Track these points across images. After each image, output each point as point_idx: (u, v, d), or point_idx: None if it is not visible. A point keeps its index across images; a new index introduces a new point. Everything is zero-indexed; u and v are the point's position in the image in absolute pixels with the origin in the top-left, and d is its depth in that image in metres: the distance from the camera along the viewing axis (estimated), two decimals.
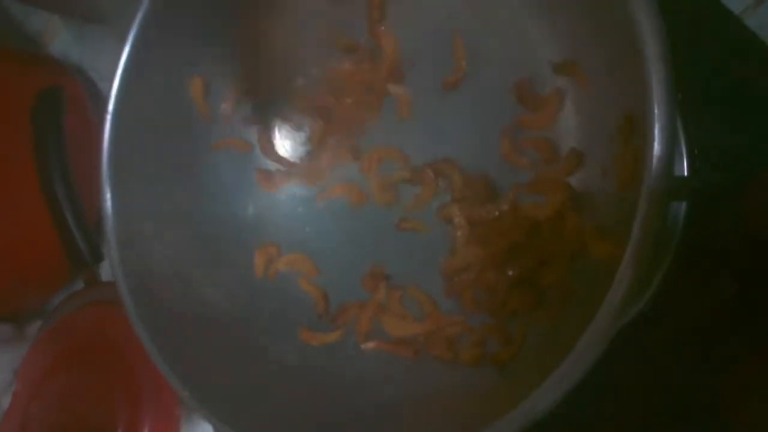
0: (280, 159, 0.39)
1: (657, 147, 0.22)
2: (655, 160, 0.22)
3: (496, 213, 0.32)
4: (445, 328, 0.32)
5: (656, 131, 0.22)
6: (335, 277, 0.38)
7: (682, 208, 0.30)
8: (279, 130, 0.40)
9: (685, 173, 0.31)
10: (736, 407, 0.31)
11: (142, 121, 0.35)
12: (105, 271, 0.52)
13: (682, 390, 0.32)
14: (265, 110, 0.39)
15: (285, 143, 0.40)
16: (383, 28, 0.35)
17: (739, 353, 0.31)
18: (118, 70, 0.33)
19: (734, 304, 0.32)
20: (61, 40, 0.56)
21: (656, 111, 0.22)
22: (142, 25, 0.33)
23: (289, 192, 0.39)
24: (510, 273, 0.32)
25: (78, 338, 0.47)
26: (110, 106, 0.33)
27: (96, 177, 0.52)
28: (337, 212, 0.38)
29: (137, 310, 0.32)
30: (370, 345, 0.35)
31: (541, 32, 0.31)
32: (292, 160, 0.39)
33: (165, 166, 0.36)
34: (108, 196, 0.33)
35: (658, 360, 0.32)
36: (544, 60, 0.31)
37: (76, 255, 0.48)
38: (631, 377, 0.31)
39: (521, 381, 0.28)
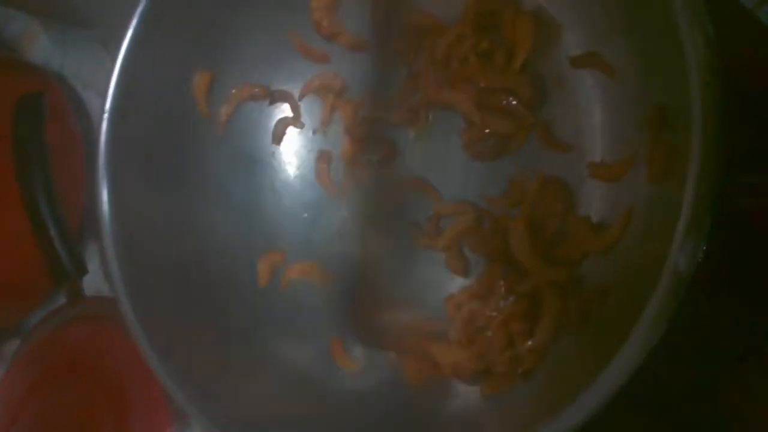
0: None
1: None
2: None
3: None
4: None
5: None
6: (348, 286, 0.36)
7: None
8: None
9: None
10: (737, 407, 0.31)
11: (140, 122, 0.33)
12: (88, 285, 0.50)
13: (683, 390, 0.31)
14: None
15: None
16: None
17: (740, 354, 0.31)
18: (115, 69, 0.32)
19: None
20: (41, 45, 0.54)
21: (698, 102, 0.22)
22: (141, 20, 0.31)
23: (294, 197, 0.38)
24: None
25: (61, 356, 0.45)
26: (107, 104, 0.31)
27: (79, 187, 0.51)
28: (346, 218, 0.37)
29: (140, 323, 0.30)
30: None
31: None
32: None
33: (163, 170, 0.35)
34: (105, 199, 0.32)
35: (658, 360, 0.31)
36: None
37: (58, 268, 0.46)
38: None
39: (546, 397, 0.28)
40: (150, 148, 0.34)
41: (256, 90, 0.37)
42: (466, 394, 0.31)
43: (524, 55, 0.31)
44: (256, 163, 0.38)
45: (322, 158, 0.38)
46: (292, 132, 0.39)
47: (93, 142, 0.51)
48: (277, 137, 0.38)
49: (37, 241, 0.45)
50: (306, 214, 0.38)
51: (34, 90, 0.47)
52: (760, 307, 0.31)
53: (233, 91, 0.37)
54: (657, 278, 0.22)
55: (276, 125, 0.38)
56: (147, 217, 0.34)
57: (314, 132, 0.38)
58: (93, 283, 0.49)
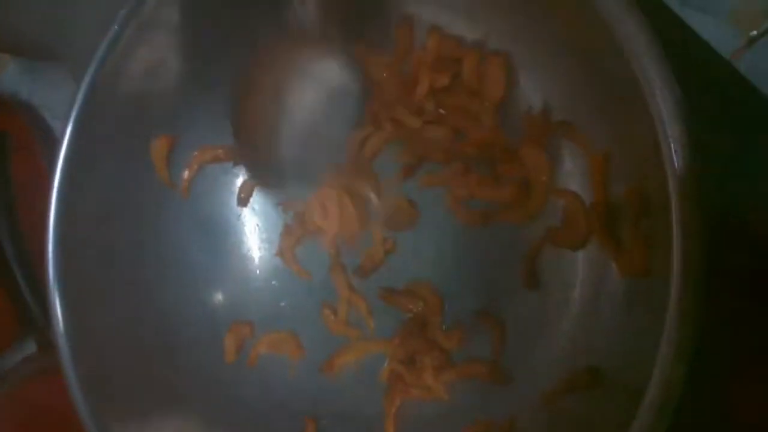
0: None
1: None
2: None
3: None
4: None
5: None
6: (320, 357, 0.35)
7: None
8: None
9: None
10: (738, 408, 0.30)
11: (96, 188, 0.31)
12: None
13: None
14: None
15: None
16: None
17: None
18: (63, 141, 0.30)
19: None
20: (9, 74, 0.52)
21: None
22: (97, 74, 0.30)
23: (262, 264, 0.36)
24: None
25: (33, 409, 0.44)
26: (56, 178, 0.30)
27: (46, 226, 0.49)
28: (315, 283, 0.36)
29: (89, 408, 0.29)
30: None
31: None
32: None
33: (121, 242, 0.33)
34: (56, 290, 0.30)
35: None
36: None
37: (26, 316, 0.45)
38: None
39: None
40: (104, 218, 0.32)
41: (219, 151, 0.35)
42: None
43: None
44: (220, 229, 0.36)
45: (288, 234, 0.36)
46: (258, 193, 0.37)
47: None
48: (243, 200, 0.36)
49: (3, 288, 0.44)
50: (275, 281, 0.36)
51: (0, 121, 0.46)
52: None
53: (195, 153, 0.35)
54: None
55: (241, 187, 0.36)
56: (103, 294, 0.32)
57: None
58: None
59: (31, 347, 0.47)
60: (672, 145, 0.22)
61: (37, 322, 0.45)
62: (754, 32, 0.31)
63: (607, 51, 0.23)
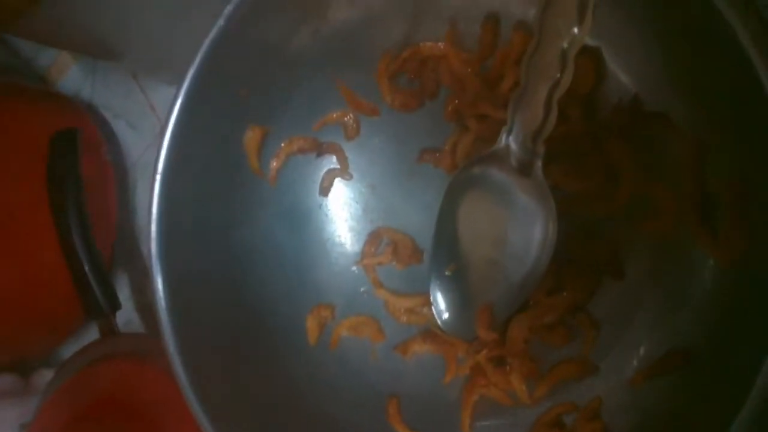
0: None
1: None
2: None
3: None
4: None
5: None
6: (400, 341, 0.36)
7: None
8: None
9: None
10: None
11: (190, 178, 0.33)
12: (121, 321, 0.50)
13: None
14: None
15: None
16: None
17: None
18: (169, 124, 0.31)
19: None
20: (70, 76, 0.54)
21: None
22: (197, 75, 0.31)
23: (343, 250, 0.38)
24: None
25: (96, 394, 0.45)
26: (160, 165, 0.31)
27: (110, 217, 0.51)
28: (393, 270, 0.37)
29: (183, 365, 0.31)
30: None
31: None
32: None
33: (212, 225, 0.34)
34: (155, 252, 0.31)
35: None
36: None
37: (92, 304, 0.46)
38: None
39: None
40: (199, 203, 0.34)
41: (305, 143, 0.36)
42: None
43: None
44: (303, 217, 0.38)
45: (371, 241, 0.38)
46: (340, 184, 0.38)
47: (123, 172, 0.52)
48: (325, 189, 0.38)
49: (71, 276, 0.45)
50: (354, 268, 0.38)
51: (67, 122, 0.47)
52: None
53: (282, 144, 0.36)
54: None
55: (323, 177, 0.38)
56: (196, 271, 0.33)
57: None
58: (123, 315, 0.49)
59: (94, 330, 0.48)
60: None
61: (102, 310, 0.46)
62: None
63: (712, 38, 0.24)
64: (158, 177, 0.31)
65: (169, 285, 0.32)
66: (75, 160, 0.46)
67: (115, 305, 0.48)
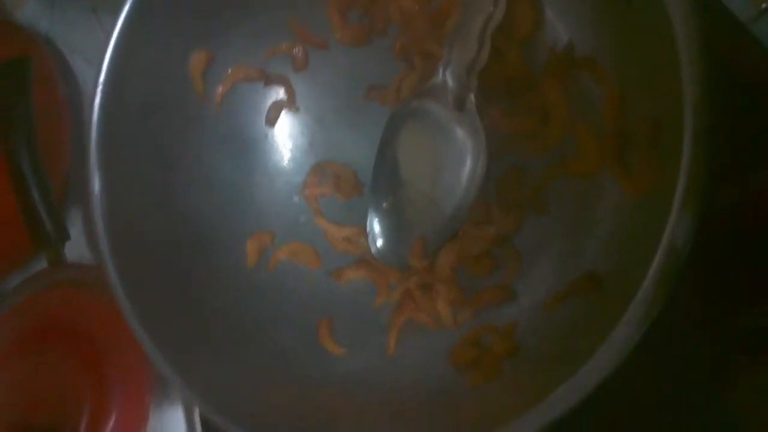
0: None
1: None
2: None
3: None
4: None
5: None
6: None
7: None
8: None
9: None
10: (732, 408, 0.32)
11: (133, 98, 0.33)
12: (70, 251, 0.50)
13: (673, 390, 0.33)
14: None
15: None
16: None
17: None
18: (110, 42, 0.32)
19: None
20: (28, 7, 0.53)
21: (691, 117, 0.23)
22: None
23: (286, 180, 0.39)
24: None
25: (40, 320, 0.45)
26: (101, 78, 0.31)
27: (63, 152, 0.51)
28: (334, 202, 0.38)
29: (124, 290, 0.31)
30: None
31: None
32: None
33: (155, 149, 0.35)
34: (96, 177, 0.32)
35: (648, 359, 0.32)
36: None
37: (40, 233, 0.46)
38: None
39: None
40: (142, 126, 0.34)
41: (252, 71, 0.37)
42: (453, 382, 0.32)
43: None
44: (248, 145, 0.38)
45: (314, 173, 0.39)
46: (286, 115, 0.39)
47: (78, 107, 0.51)
48: (271, 120, 0.39)
49: (19, 204, 0.45)
50: (296, 198, 0.39)
51: (20, 53, 0.47)
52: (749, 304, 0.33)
53: (229, 71, 0.37)
54: (651, 257, 0.23)
55: (270, 108, 0.39)
56: (137, 194, 0.34)
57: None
58: (75, 249, 0.49)
59: (41, 262, 0.48)
60: (691, 84, 0.23)
61: (50, 239, 0.46)
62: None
63: None
64: (98, 92, 0.32)
65: (109, 207, 0.32)
66: (26, 88, 0.45)
67: (64, 236, 0.48)
